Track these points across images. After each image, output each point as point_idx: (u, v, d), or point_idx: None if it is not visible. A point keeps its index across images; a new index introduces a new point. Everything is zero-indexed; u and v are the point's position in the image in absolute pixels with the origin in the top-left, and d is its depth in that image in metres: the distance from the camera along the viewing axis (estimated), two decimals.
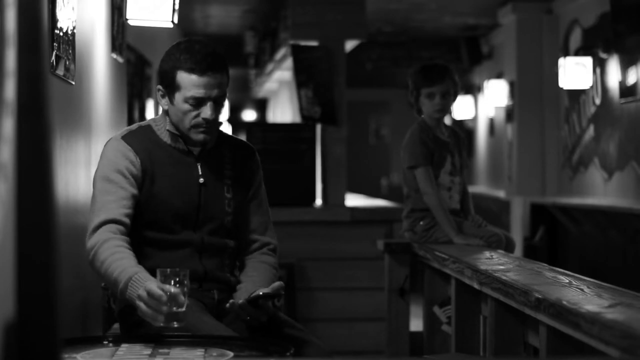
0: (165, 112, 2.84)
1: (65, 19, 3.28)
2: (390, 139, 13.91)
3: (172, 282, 2.32)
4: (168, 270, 2.36)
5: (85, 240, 2.67)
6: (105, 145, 2.82)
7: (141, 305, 2.40)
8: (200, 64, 2.71)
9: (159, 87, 2.80)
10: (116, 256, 2.57)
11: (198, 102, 2.72)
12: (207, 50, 2.74)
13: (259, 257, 2.90)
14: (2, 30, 0.96)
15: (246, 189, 2.92)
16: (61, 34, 3.23)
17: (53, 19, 3.11)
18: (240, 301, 2.65)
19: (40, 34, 0.99)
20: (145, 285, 2.41)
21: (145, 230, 2.75)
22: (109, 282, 2.57)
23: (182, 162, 2.81)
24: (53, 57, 3.12)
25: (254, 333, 2.74)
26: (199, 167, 2.83)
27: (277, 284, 2.69)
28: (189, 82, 2.71)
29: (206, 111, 2.73)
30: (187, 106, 2.73)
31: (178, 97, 2.73)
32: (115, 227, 2.64)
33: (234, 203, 2.87)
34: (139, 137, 2.80)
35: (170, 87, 2.75)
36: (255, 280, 2.79)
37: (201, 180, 2.82)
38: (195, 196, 2.80)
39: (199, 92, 2.71)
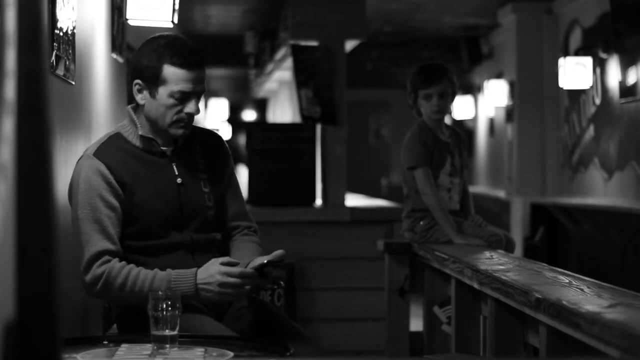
0: (134, 112, 2.81)
1: (65, 19, 3.28)
2: (390, 139, 13.91)
3: (165, 306, 2.30)
4: (159, 292, 2.35)
5: (80, 272, 2.68)
6: (77, 164, 2.77)
7: (218, 289, 2.59)
8: (187, 58, 2.71)
9: (138, 81, 2.75)
10: (133, 273, 2.64)
11: (184, 97, 2.72)
12: (192, 46, 2.76)
13: (241, 238, 2.93)
14: (2, 30, 0.96)
15: (220, 179, 2.92)
16: (61, 34, 3.23)
17: (53, 19, 3.11)
18: (250, 267, 2.66)
19: (40, 34, 0.99)
20: (214, 270, 2.60)
21: (133, 240, 2.75)
22: (139, 297, 2.60)
23: (157, 165, 2.80)
24: (53, 57, 3.12)
25: (254, 332, 2.75)
26: (174, 167, 2.82)
27: (278, 251, 2.69)
28: (176, 77, 2.71)
29: (191, 106, 2.74)
30: (171, 100, 2.72)
31: (162, 91, 2.72)
32: (111, 256, 2.67)
33: (213, 196, 2.87)
34: (111, 150, 2.77)
35: (153, 82, 2.72)
36: (246, 254, 2.79)
37: (179, 180, 2.81)
38: (175, 197, 2.79)
39: (187, 87, 2.71)
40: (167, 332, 2.30)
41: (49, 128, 0.98)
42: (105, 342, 2.42)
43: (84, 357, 2.22)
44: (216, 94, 15.77)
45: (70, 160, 3.52)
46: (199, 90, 2.75)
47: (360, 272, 5.26)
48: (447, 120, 4.41)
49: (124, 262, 2.67)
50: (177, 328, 2.31)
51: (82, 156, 2.78)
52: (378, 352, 5.11)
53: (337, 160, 5.90)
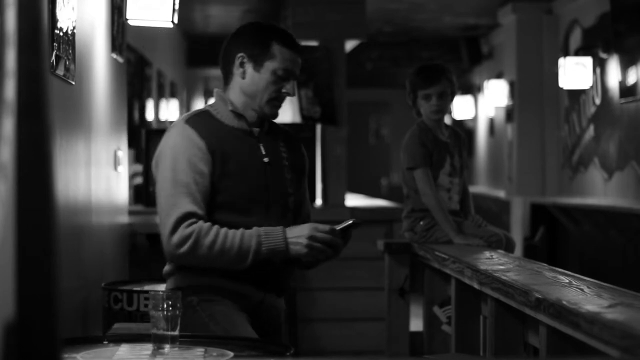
0: (227, 89, 2.85)
1: (65, 19, 3.28)
2: (390, 139, 13.91)
3: (165, 306, 2.30)
4: (160, 292, 2.35)
5: (165, 234, 2.66)
6: (169, 130, 2.80)
7: (309, 243, 2.68)
8: (294, 42, 2.85)
9: (242, 54, 2.81)
10: (222, 232, 2.66)
11: (285, 76, 2.81)
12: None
13: None
14: (2, 30, 0.96)
15: (300, 174, 2.97)
16: (61, 34, 3.23)
17: (53, 19, 3.11)
18: (337, 227, 2.75)
19: (40, 34, 0.99)
20: (306, 228, 2.69)
21: (217, 212, 2.75)
22: (228, 256, 2.64)
23: (246, 142, 2.84)
24: (53, 57, 3.12)
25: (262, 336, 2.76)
26: (261, 147, 2.86)
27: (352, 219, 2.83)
28: (283, 55, 2.80)
29: (289, 87, 2.82)
30: (273, 77, 2.80)
31: (269, 65, 2.80)
32: (197, 219, 2.67)
33: (293, 185, 2.92)
34: (202, 120, 2.81)
35: (260, 55, 2.79)
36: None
37: (265, 159, 2.85)
38: (262, 176, 2.82)
39: (291, 66, 2.80)
40: (167, 332, 2.30)
41: (49, 128, 0.98)
42: (105, 342, 2.42)
43: (84, 357, 2.22)
44: None
45: (70, 160, 3.53)
46: (297, 74, 2.85)
47: (360, 272, 5.26)
48: (447, 120, 4.41)
49: (210, 223, 2.68)
50: (178, 328, 2.31)
51: (173, 123, 2.82)
52: (378, 352, 5.11)
53: (337, 160, 5.90)
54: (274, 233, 2.69)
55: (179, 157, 2.71)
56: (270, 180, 2.83)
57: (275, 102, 2.83)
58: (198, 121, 2.79)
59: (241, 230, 2.68)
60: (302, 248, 2.70)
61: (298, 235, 2.71)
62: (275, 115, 2.87)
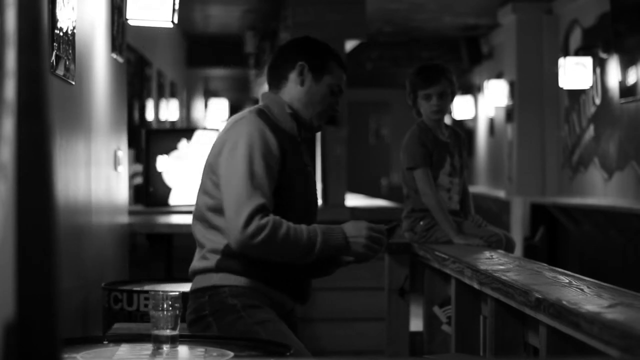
0: (277, 92, 2.90)
1: (65, 19, 3.28)
2: (390, 139, 13.91)
3: (165, 306, 2.30)
4: (160, 292, 2.35)
5: (239, 225, 2.65)
6: (239, 121, 2.80)
7: (365, 242, 2.78)
8: (344, 62, 3.00)
9: (303, 63, 2.88)
10: (292, 226, 2.71)
11: (337, 92, 2.93)
12: None
13: None
14: (2, 30, 0.96)
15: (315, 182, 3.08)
16: (61, 34, 3.23)
17: (53, 19, 3.11)
18: (385, 227, 2.87)
19: (40, 34, 0.99)
20: (360, 225, 2.80)
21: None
22: (297, 250, 2.70)
23: (296, 146, 2.90)
24: (53, 57, 3.12)
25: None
26: (304, 152, 2.94)
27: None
28: (338, 73, 2.93)
29: (338, 102, 2.96)
30: (328, 91, 2.91)
31: (326, 79, 2.91)
32: (269, 211, 2.71)
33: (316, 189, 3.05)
34: (268, 118, 2.85)
35: (321, 68, 2.89)
36: None
37: (309, 166, 2.95)
38: (304, 180, 2.89)
39: (342, 84, 2.94)
40: (167, 332, 2.30)
41: (49, 128, 0.98)
42: (105, 342, 2.42)
43: (84, 357, 2.22)
44: (216, 94, 15.77)
45: (70, 160, 3.53)
46: (342, 94, 2.98)
47: (360, 272, 5.26)
48: (447, 120, 4.41)
49: (283, 219, 2.73)
50: (178, 328, 2.31)
51: (243, 114, 2.83)
52: (378, 352, 5.11)
53: (337, 160, 5.90)
54: (334, 231, 2.78)
55: (255, 149, 2.72)
56: (309, 185, 2.92)
57: (324, 115, 2.94)
58: (266, 118, 2.83)
59: (306, 226, 2.74)
60: (361, 247, 2.80)
61: (357, 234, 2.79)
62: (320, 127, 2.99)
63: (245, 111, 2.87)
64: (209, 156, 2.84)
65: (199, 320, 2.77)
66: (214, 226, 2.78)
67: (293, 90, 2.90)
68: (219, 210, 2.76)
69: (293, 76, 2.89)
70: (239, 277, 2.76)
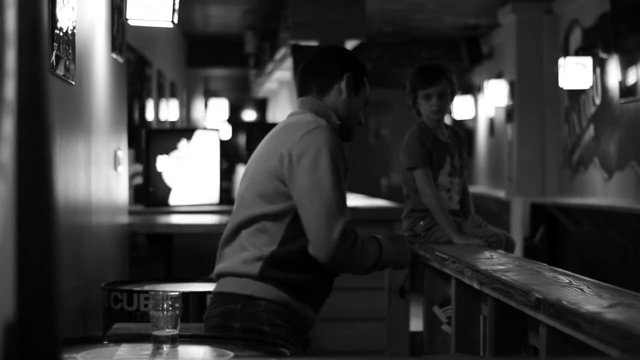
0: (321, 98, 2.92)
1: (65, 19, 3.28)
2: (390, 139, 13.92)
3: (165, 306, 2.30)
4: (160, 292, 2.35)
5: (334, 237, 2.70)
6: (313, 131, 2.77)
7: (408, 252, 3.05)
8: None
9: (350, 75, 2.94)
10: (364, 238, 2.84)
11: (366, 106, 3.06)
12: None
13: None
14: (2, 30, 0.96)
15: None
16: (61, 34, 3.23)
17: (53, 19, 3.11)
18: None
19: (40, 34, 0.99)
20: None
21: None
22: (367, 259, 2.82)
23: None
24: (53, 57, 3.12)
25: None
26: None
27: None
28: (368, 87, 3.04)
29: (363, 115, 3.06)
30: (363, 104, 3.02)
31: (362, 92, 3.00)
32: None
33: None
34: (332, 128, 2.89)
35: (360, 81, 2.97)
36: None
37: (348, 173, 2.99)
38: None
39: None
40: (167, 332, 2.30)
41: (49, 128, 0.98)
42: (105, 342, 2.42)
43: (84, 357, 2.22)
44: (216, 94, 15.77)
45: (70, 160, 3.53)
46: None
47: None
48: (447, 120, 4.41)
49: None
50: (178, 328, 2.31)
51: (316, 127, 2.79)
52: (378, 352, 5.11)
53: None
54: (395, 240, 2.95)
55: (338, 161, 2.74)
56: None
57: (357, 127, 3.00)
58: (333, 128, 2.86)
59: (372, 237, 2.88)
60: (407, 257, 3.03)
61: (404, 245, 2.99)
62: (351, 139, 3.03)
63: (309, 117, 2.84)
64: (266, 160, 2.79)
65: (224, 328, 2.73)
66: (265, 231, 2.75)
67: (337, 99, 2.92)
68: (277, 217, 2.73)
69: (337, 86, 2.92)
70: (277, 291, 2.74)
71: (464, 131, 9.24)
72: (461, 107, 11.33)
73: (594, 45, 7.32)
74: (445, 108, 4.01)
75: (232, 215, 2.87)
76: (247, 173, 2.88)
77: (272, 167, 2.76)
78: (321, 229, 2.68)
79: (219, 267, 2.82)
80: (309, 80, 2.94)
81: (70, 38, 3.38)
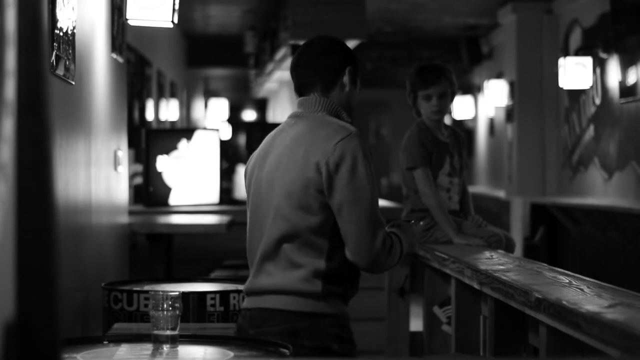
0: (328, 95, 2.87)
1: (65, 19, 3.28)
2: (390, 139, 13.91)
3: (165, 306, 2.29)
4: (160, 292, 2.34)
5: (377, 245, 2.70)
6: (348, 140, 2.71)
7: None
8: None
9: (351, 67, 2.90)
10: (392, 237, 2.81)
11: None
12: None
13: None
14: (2, 30, 0.96)
15: None
16: (61, 34, 3.23)
17: (53, 19, 3.11)
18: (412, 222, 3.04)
19: (40, 34, 0.99)
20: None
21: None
22: (397, 256, 2.79)
23: None
24: (53, 57, 3.12)
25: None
26: None
27: None
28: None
29: None
30: (358, 94, 2.97)
31: (358, 82, 2.94)
32: None
33: None
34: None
35: (357, 73, 2.93)
36: None
37: None
38: None
39: None
40: (167, 332, 2.30)
41: (49, 128, 0.98)
42: (105, 342, 2.42)
43: (84, 357, 2.22)
44: (216, 94, 15.77)
45: (70, 160, 3.53)
46: None
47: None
48: (447, 120, 4.41)
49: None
50: (178, 328, 2.31)
51: (346, 135, 2.73)
52: (378, 352, 5.11)
53: None
54: (406, 227, 2.92)
55: (371, 167, 2.75)
56: None
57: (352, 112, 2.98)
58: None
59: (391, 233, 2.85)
60: (417, 238, 3.10)
61: (415, 235, 2.96)
62: None
63: (334, 122, 2.80)
64: (300, 171, 2.72)
65: (293, 346, 2.66)
66: (310, 245, 2.71)
67: (340, 94, 2.88)
68: (320, 229, 2.69)
69: (341, 80, 2.87)
70: (340, 304, 2.75)
71: (464, 131, 9.25)
72: (461, 107, 11.33)
73: (594, 45, 7.32)
74: (445, 108, 4.01)
75: (263, 226, 2.78)
76: (273, 181, 2.77)
77: (309, 178, 2.70)
78: (364, 238, 2.67)
79: (266, 282, 2.75)
80: (312, 76, 2.85)
81: (70, 38, 3.38)
